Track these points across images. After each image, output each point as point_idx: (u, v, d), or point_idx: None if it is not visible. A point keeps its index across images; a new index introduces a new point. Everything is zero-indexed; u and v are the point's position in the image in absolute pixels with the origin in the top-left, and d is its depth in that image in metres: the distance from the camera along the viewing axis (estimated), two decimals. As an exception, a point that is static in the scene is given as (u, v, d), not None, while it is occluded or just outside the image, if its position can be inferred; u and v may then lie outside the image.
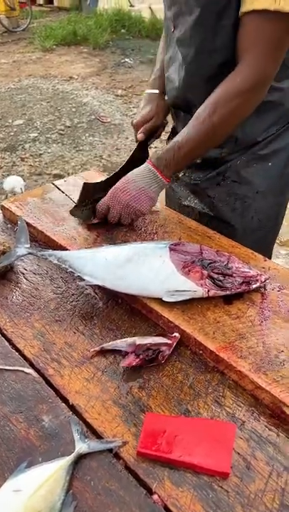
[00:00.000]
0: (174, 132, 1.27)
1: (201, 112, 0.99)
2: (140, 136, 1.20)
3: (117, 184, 1.06)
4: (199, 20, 0.99)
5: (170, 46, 1.12)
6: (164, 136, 1.32)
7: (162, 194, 1.18)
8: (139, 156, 1.18)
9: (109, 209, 1.06)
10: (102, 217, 1.08)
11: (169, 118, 1.27)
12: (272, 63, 0.94)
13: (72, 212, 1.10)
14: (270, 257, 1.26)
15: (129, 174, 1.06)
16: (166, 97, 1.22)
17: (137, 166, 1.12)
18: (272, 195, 1.17)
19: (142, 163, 1.14)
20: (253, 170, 1.13)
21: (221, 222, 1.18)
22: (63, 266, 0.91)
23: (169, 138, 1.29)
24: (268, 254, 1.08)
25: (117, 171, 1.14)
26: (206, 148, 1.06)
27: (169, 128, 1.29)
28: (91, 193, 1.09)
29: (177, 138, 1.02)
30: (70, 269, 0.90)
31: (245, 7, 0.88)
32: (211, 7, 0.95)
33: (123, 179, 1.06)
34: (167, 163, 1.03)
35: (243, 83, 0.94)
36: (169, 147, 1.03)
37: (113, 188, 1.06)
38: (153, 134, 1.23)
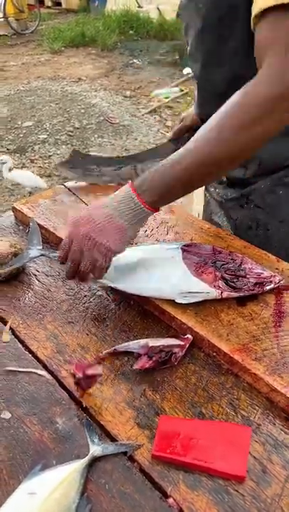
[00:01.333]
0: None
1: (209, 126, 0.78)
2: (170, 134, 1.24)
3: (84, 210, 0.83)
4: (202, 31, 0.95)
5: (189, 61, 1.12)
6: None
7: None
8: (165, 152, 1.00)
9: (71, 243, 0.81)
10: (64, 258, 0.83)
11: None
12: None
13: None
14: None
15: (105, 198, 0.83)
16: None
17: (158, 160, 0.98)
18: None
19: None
20: (278, 197, 1.04)
21: None
22: None
23: None
24: None
25: (130, 154, 1.26)
26: (209, 174, 0.82)
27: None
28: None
29: (172, 156, 0.80)
30: None
31: (254, 11, 0.77)
32: (212, 15, 0.91)
33: (94, 203, 0.84)
34: (151, 187, 0.79)
35: (266, 88, 0.73)
36: (157, 167, 0.80)
37: (78, 214, 0.83)
38: (183, 134, 1.24)
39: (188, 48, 1.04)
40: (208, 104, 0.98)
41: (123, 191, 0.81)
